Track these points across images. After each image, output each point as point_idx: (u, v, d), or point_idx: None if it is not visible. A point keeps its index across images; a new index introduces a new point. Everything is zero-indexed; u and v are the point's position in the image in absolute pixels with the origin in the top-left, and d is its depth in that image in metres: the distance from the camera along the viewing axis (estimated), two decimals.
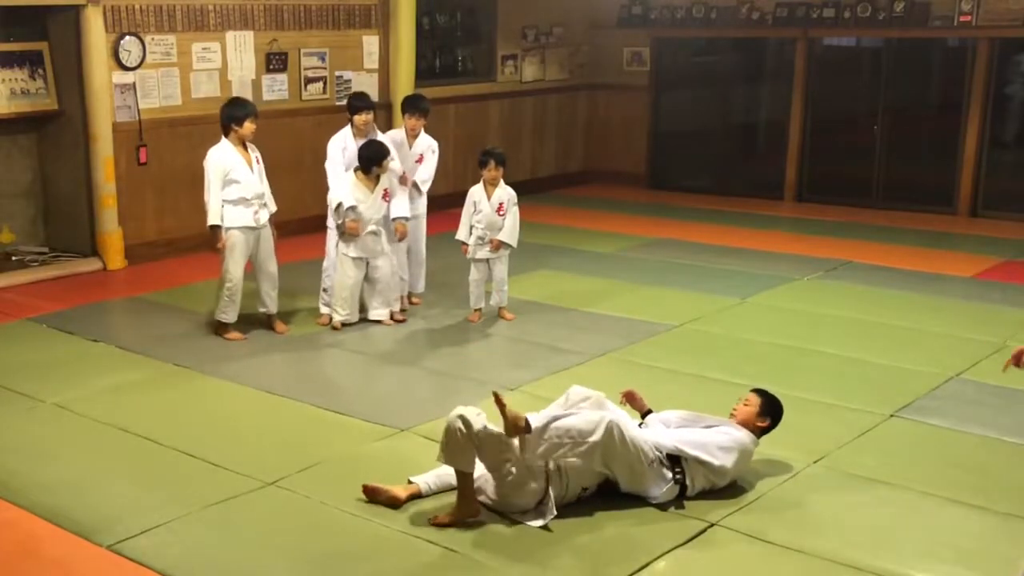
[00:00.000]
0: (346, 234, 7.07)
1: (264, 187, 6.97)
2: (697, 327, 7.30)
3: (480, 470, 4.49)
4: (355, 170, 7.11)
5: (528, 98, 12.46)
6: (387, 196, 7.16)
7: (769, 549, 4.30)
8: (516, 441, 4.41)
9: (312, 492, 4.75)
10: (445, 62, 11.80)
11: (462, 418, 4.30)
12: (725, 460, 4.64)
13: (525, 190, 9.44)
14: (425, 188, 7.63)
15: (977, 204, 11.15)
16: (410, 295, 7.79)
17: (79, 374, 6.35)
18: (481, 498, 4.50)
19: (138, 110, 8.96)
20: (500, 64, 12.09)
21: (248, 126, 6.80)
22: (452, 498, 4.55)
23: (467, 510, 4.40)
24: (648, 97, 13.00)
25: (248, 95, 9.48)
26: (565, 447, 4.41)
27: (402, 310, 7.53)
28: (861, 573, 4.12)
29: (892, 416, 5.69)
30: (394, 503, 4.53)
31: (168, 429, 5.48)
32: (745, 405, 4.87)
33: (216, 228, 6.77)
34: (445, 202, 9.91)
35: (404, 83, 10.42)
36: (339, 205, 7.03)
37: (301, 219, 9.65)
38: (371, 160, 7.01)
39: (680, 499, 4.63)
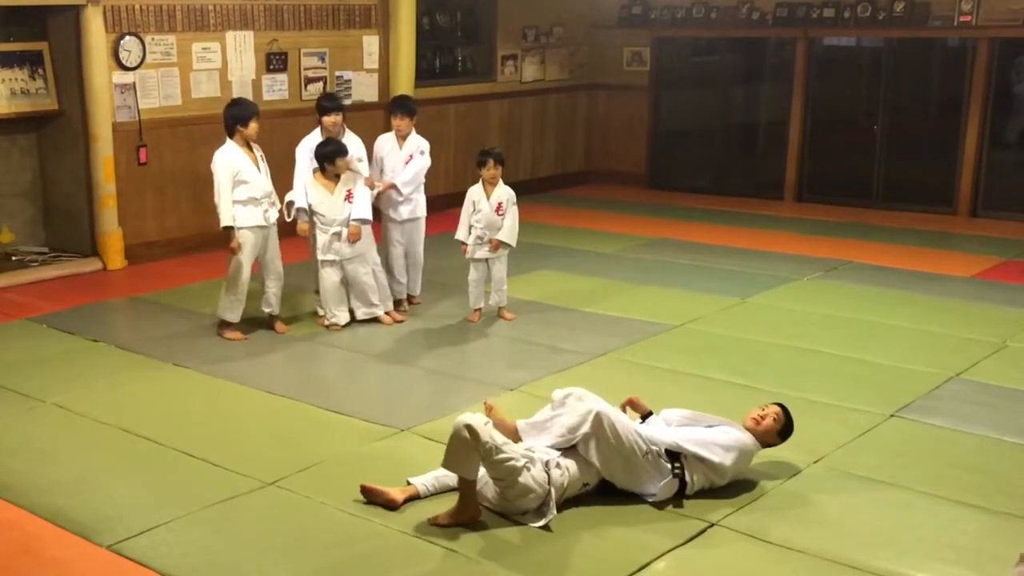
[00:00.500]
0: (296, 235, 7.05)
1: (272, 186, 7.00)
2: (697, 327, 7.30)
3: (482, 473, 4.50)
4: (314, 171, 7.10)
5: (528, 98, 12.46)
6: (350, 198, 7.10)
7: (769, 549, 4.30)
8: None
9: (312, 492, 4.75)
10: (445, 62, 11.80)
11: (468, 428, 4.27)
12: (725, 458, 4.64)
13: (525, 190, 9.45)
14: (406, 191, 7.51)
15: (977, 204, 11.14)
16: (410, 297, 7.79)
17: (79, 374, 6.35)
18: (482, 500, 4.50)
19: (138, 110, 8.96)
20: (500, 64, 12.09)
21: (253, 126, 6.83)
22: (451, 499, 4.55)
23: (468, 512, 4.40)
24: (648, 97, 13.00)
25: (248, 95, 9.49)
26: (559, 444, 4.45)
27: (402, 310, 7.53)
28: (861, 573, 4.12)
29: (892, 416, 5.69)
30: (391, 505, 4.53)
31: (168, 429, 5.48)
32: (774, 421, 4.84)
33: (230, 229, 6.79)
34: (444, 202, 9.91)
35: (404, 83, 10.42)
36: (289, 204, 7.02)
37: None
38: (324, 156, 7.00)
39: (679, 497, 4.63)
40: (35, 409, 5.81)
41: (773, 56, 12.59)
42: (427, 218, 7.81)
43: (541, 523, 4.39)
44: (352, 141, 7.33)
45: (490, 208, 7.15)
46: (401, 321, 7.39)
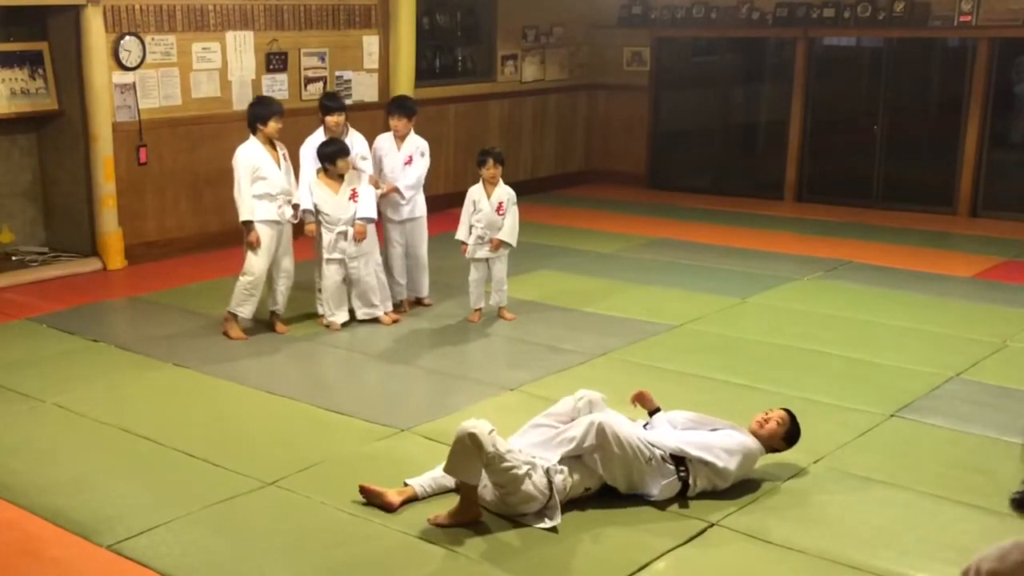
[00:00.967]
0: (304, 235, 7.07)
1: (292, 184, 7.03)
2: (697, 327, 7.30)
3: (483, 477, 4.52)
4: (317, 171, 7.11)
5: (528, 98, 12.46)
6: (355, 197, 7.12)
7: (769, 549, 4.30)
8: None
9: (312, 492, 4.75)
10: (445, 62, 11.80)
11: (471, 436, 4.26)
12: (729, 463, 4.64)
13: (525, 190, 9.45)
14: (409, 195, 7.52)
15: (977, 204, 11.14)
16: (419, 299, 7.78)
17: (79, 374, 6.35)
18: (482, 502, 4.50)
19: (138, 110, 8.96)
20: (500, 64, 12.09)
21: (273, 125, 6.88)
22: (449, 499, 4.56)
23: (468, 514, 4.39)
24: (648, 97, 13.00)
25: (248, 95, 9.49)
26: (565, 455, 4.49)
27: (400, 311, 7.53)
28: (861, 573, 4.12)
29: (892, 416, 5.69)
30: (388, 508, 4.52)
31: (168, 429, 5.48)
32: (778, 424, 4.84)
33: (248, 223, 6.83)
34: (444, 202, 9.91)
35: (404, 83, 10.42)
36: (295, 205, 7.05)
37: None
38: (326, 157, 7.02)
39: (680, 498, 4.63)
40: (35, 409, 5.81)
41: (773, 56, 12.59)
42: (427, 218, 7.80)
43: (546, 526, 4.39)
44: (356, 140, 7.35)
45: (491, 208, 7.15)
46: (399, 321, 7.39)
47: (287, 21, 9.90)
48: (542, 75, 12.62)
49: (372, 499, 4.56)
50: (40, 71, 8.81)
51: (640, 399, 5.00)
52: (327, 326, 7.25)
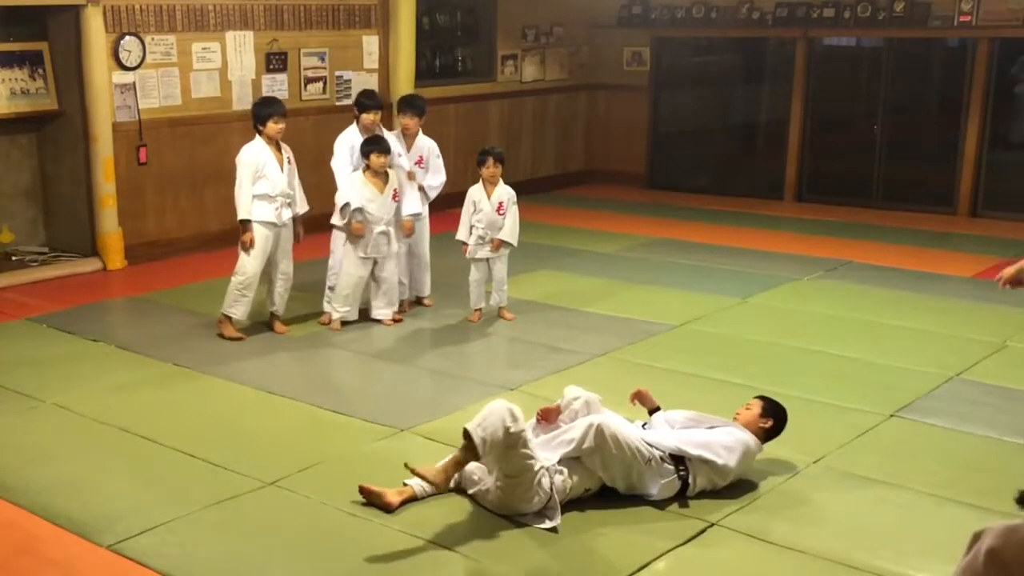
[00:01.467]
0: (351, 235, 7.08)
1: (294, 187, 7.01)
2: (697, 327, 7.30)
3: (483, 474, 4.51)
4: (363, 169, 7.12)
5: (528, 98, 12.46)
6: (396, 196, 7.18)
7: (769, 549, 4.30)
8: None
9: (312, 492, 4.74)
10: (445, 62, 11.80)
11: (511, 412, 4.27)
12: (729, 459, 4.64)
13: (525, 190, 9.45)
14: (433, 195, 7.65)
15: (977, 204, 11.15)
16: (419, 298, 7.79)
17: (79, 374, 6.35)
18: (482, 502, 4.51)
19: (138, 110, 8.96)
20: (500, 64, 12.09)
21: (272, 126, 6.83)
22: (447, 501, 4.56)
23: (443, 477, 4.39)
24: (648, 97, 13.00)
25: (248, 95, 9.50)
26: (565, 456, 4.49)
27: (400, 311, 7.53)
28: (861, 573, 4.12)
29: (892, 416, 5.69)
30: (387, 508, 4.52)
31: (168, 429, 5.48)
32: (747, 409, 4.91)
33: (246, 222, 6.81)
34: (444, 202, 9.86)
35: (404, 83, 10.42)
36: (345, 205, 7.03)
37: (302, 219, 9.64)
38: (370, 151, 7.04)
39: (680, 497, 4.63)
40: (35, 409, 5.80)
41: (773, 56, 12.59)
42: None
43: (547, 526, 4.39)
44: (390, 139, 7.39)
45: (491, 208, 7.15)
46: (399, 321, 7.39)
47: (287, 21, 9.89)
48: (542, 75, 12.62)
49: (371, 499, 4.56)
50: (40, 71, 8.81)
51: (639, 398, 5.01)
52: (327, 324, 7.25)
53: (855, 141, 11.96)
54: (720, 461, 4.63)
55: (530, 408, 5.13)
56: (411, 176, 7.43)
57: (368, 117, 7.32)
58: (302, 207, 7.14)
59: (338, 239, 7.42)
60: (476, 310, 7.40)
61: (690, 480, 4.63)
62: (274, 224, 6.92)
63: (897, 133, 11.62)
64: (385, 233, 7.18)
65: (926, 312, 7.63)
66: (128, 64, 8.83)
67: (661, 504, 4.60)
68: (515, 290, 7.74)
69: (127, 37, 8.80)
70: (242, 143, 7.01)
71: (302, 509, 4.62)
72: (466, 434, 4.31)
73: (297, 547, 4.29)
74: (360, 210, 7.05)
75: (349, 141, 7.36)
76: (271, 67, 9.82)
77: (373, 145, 7.08)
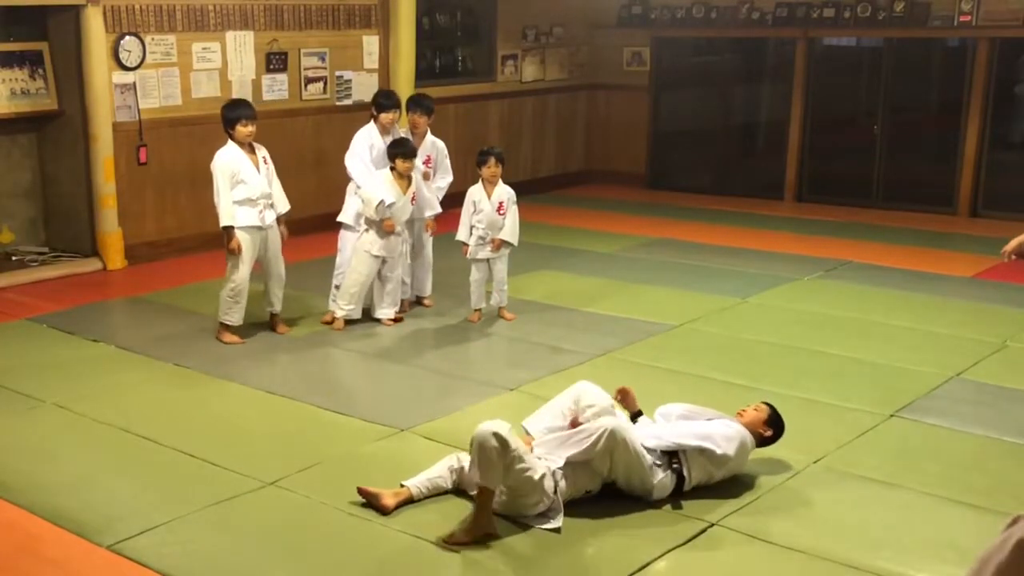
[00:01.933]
0: (381, 231, 7.07)
1: (273, 187, 6.97)
2: (697, 327, 7.30)
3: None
4: (390, 169, 7.12)
5: (528, 98, 12.46)
6: (415, 199, 7.23)
7: (769, 549, 4.30)
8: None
9: (312, 492, 4.75)
10: (445, 62, 11.80)
11: (496, 436, 4.23)
12: (727, 449, 4.65)
13: (525, 190, 9.45)
14: (440, 195, 7.67)
15: (977, 204, 11.15)
16: (419, 298, 7.79)
17: (79, 374, 6.35)
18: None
19: (138, 110, 8.96)
20: (500, 64, 12.09)
21: (240, 129, 6.74)
22: (447, 502, 4.56)
23: (486, 527, 4.32)
24: (648, 97, 13.00)
25: (248, 95, 9.49)
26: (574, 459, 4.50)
27: (400, 311, 7.53)
28: (861, 573, 4.12)
29: (892, 416, 5.69)
30: (383, 510, 4.51)
31: (168, 429, 5.48)
32: (755, 410, 4.90)
33: (229, 229, 6.77)
34: (444, 202, 9.88)
35: (404, 83, 10.41)
36: (381, 202, 7.02)
37: (302, 219, 9.64)
38: (396, 155, 7.06)
39: (678, 494, 4.63)
40: (35, 409, 5.80)
41: (773, 56, 12.59)
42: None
43: (549, 526, 4.39)
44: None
45: (491, 208, 7.15)
46: (400, 321, 7.39)
47: (287, 21, 9.90)
48: (542, 75, 12.62)
49: (369, 500, 4.56)
50: (40, 71, 8.81)
51: (623, 397, 4.98)
52: (330, 323, 7.25)
53: (855, 141, 11.96)
54: (719, 451, 4.63)
55: (530, 408, 5.14)
56: (427, 177, 7.48)
57: (387, 116, 7.34)
58: (283, 206, 7.05)
59: (346, 238, 7.42)
60: (476, 310, 7.40)
61: (685, 473, 4.62)
62: (259, 227, 6.87)
63: (897, 133, 11.62)
64: (399, 234, 7.21)
65: (926, 312, 7.63)
66: (128, 64, 8.83)
67: (661, 504, 4.60)
68: (515, 290, 7.74)
69: (127, 37, 8.80)
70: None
71: (302, 509, 4.62)
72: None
73: (297, 547, 4.29)
74: (391, 206, 7.06)
75: (367, 139, 7.36)
76: (271, 67, 9.82)
77: (399, 148, 7.09)
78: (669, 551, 4.25)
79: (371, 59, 10.64)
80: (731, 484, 4.76)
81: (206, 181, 9.33)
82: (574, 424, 4.74)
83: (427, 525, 4.41)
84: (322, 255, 8.18)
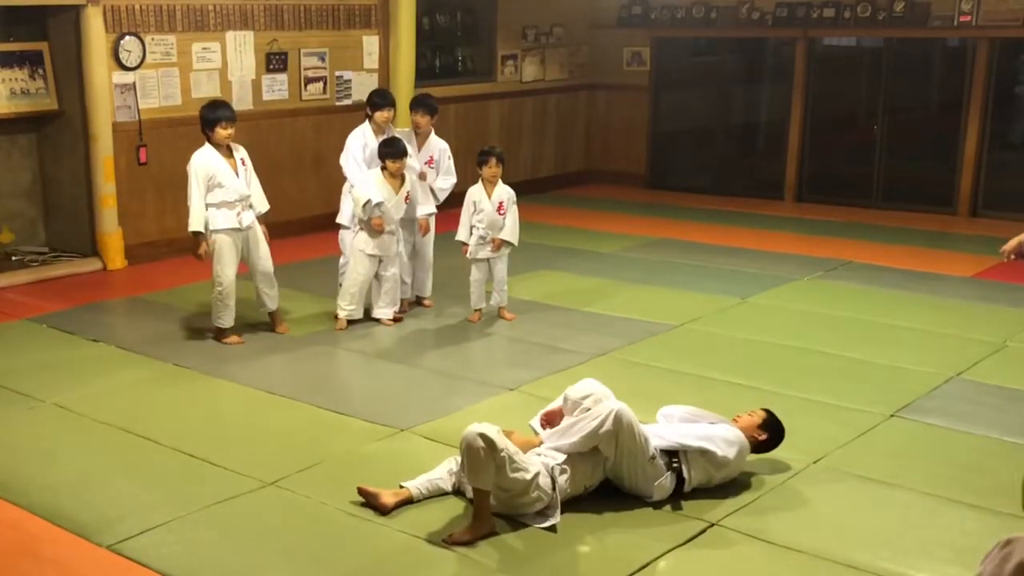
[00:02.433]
0: (371, 231, 7.08)
1: (252, 188, 6.91)
2: (697, 327, 7.30)
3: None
4: (381, 169, 7.12)
5: (528, 98, 12.46)
6: (408, 198, 7.23)
7: (769, 549, 4.30)
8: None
9: (312, 492, 4.75)
10: (445, 62, 11.80)
11: (483, 436, 4.24)
12: (728, 452, 4.66)
13: (525, 190, 9.45)
14: (443, 197, 7.65)
15: (977, 204, 11.15)
16: (419, 298, 7.79)
17: (79, 374, 6.35)
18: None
19: (138, 110, 8.96)
20: (500, 64, 12.09)
21: (220, 132, 6.68)
22: (446, 502, 4.55)
23: (485, 527, 4.33)
24: (648, 97, 13.00)
25: (248, 95, 9.51)
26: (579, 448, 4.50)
27: (400, 311, 7.53)
28: (861, 573, 4.12)
29: (892, 416, 5.69)
30: (382, 509, 4.51)
31: (168, 429, 5.48)
32: (750, 415, 4.92)
33: (198, 235, 6.71)
34: (444, 202, 9.90)
35: (404, 83, 10.40)
36: (368, 201, 7.03)
37: (302, 219, 9.65)
38: (386, 155, 7.07)
39: (678, 495, 4.63)
40: (35, 409, 5.80)
41: (773, 56, 12.59)
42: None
43: (546, 524, 4.39)
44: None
45: (492, 208, 7.15)
46: (400, 320, 7.39)
47: (287, 21, 9.90)
48: (542, 75, 12.62)
49: (368, 500, 4.56)
50: (40, 71, 8.81)
51: (548, 420, 4.86)
52: (336, 327, 7.26)
53: (855, 141, 11.96)
54: (720, 452, 4.63)
55: (530, 408, 5.14)
56: (423, 176, 7.46)
57: (382, 115, 7.34)
58: (261, 206, 6.99)
59: (347, 238, 7.43)
60: (476, 310, 7.40)
61: (685, 474, 4.62)
62: (237, 229, 6.82)
63: (897, 133, 11.62)
64: (392, 232, 7.21)
65: (926, 312, 7.63)
66: (128, 64, 8.83)
67: (660, 504, 4.60)
68: (515, 290, 7.74)
69: (127, 37, 8.80)
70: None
71: (302, 509, 4.62)
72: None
73: (297, 547, 4.29)
74: (379, 205, 7.07)
75: (361, 139, 7.36)
76: (271, 67, 9.82)
77: (390, 149, 7.09)
78: (669, 551, 4.25)
79: (371, 59, 10.64)
80: (731, 484, 4.76)
81: None
82: (549, 418, 4.74)
83: (427, 525, 4.41)
84: (322, 255, 8.18)
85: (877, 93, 11.65)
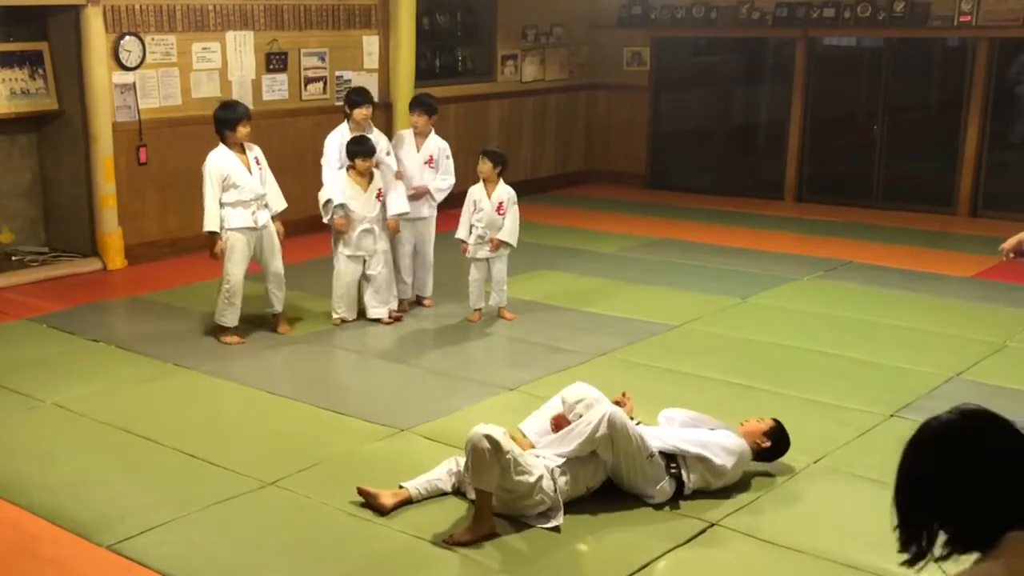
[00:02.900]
0: (335, 232, 7.09)
1: (268, 187, 6.96)
2: (697, 327, 7.30)
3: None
4: (347, 168, 7.14)
5: (528, 98, 12.46)
6: (380, 195, 7.18)
7: (769, 549, 4.30)
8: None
9: (312, 492, 4.75)
10: (445, 62, 11.80)
11: (488, 438, 4.23)
12: (726, 461, 4.65)
13: (525, 190, 9.44)
14: (440, 197, 7.63)
15: (977, 204, 11.14)
16: (420, 298, 7.79)
17: (79, 374, 6.35)
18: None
19: (138, 110, 8.96)
20: (500, 64, 12.09)
21: (241, 130, 6.76)
22: (447, 502, 4.55)
23: (485, 527, 4.33)
24: (648, 97, 13.00)
25: (248, 95, 9.50)
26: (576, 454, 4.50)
27: (400, 310, 7.53)
28: (861, 573, 4.11)
29: (892, 416, 5.69)
30: (381, 510, 4.50)
31: (168, 429, 5.48)
32: (758, 421, 4.89)
33: (214, 234, 6.75)
34: (444, 201, 9.90)
35: (404, 83, 10.42)
36: (328, 202, 7.04)
37: (302, 219, 9.63)
38: (350, 155, 7.08)
39: (677, 498, 4.63)
40: (35, 409, 5.80)
41: (773, 56, 12.59)
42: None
43: (549, 525, 4.39)
44: (379, 137, 7.41)
45: (491, 207, 7.16)
46: (399, 320, 7.39)
47: (287, 21, 9.90)
48: (542, 75, 12.62)
49: (368, 500, 4.55)
50: (40, 71, 8.81)
51: (621, 405, 4.91)
52: (333, 325, 7.27)
53: (855, 141, 11.96)
54: (718, 461, 4.63)
55: (530, 408, 5.14)
56: (398, 175, 7.38)
57: (360, 112, 7.30)
58: (278, 205, 7.05)
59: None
60: (476, 310, 7.40)
61: (684, 478, 4.62)
62: (252, 228, 6.86)
63: (897, 133, 11.62)
64: (370, 231, 7.18)
65: (926, 312, 7.63)
66: (128, 64, 8.83)
67: (658, 504, 4.60)
68: (515, 290, 7.74)
69: (127, 37, 8.80)
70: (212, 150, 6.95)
71: (302, 509, 4.62)
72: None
73: (297, 547, 4.29)
74: (342, 206, 7.06)
75: (339, 139, 7.35)
76: (271, 67, 9.83)
77: (358, 147, 7.10)
78: (669, 551, 4.25)
79: (371, 59, 10.64)
80: (731, 484, 4.75)
81: None
82: (558, 422, 4.74)
83: (426, 525, 4.41)
84: (322, 255, 8.17)
85: (877, 93, 11.65)
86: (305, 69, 10.10)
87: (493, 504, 4.40)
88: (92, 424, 5.58)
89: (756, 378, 6.24)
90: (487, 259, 7.26)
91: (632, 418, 4.93)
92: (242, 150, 6.85)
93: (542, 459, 4.49)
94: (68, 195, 9.00)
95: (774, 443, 4.88)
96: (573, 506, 4.52)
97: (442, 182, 7.62)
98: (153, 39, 8.97)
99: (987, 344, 6.89)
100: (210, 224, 6.73)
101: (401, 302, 7.60)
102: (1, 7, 8.28)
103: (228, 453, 5.16)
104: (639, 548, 4.27)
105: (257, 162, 6.91)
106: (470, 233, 7.25)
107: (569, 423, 4.70)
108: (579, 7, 12.81)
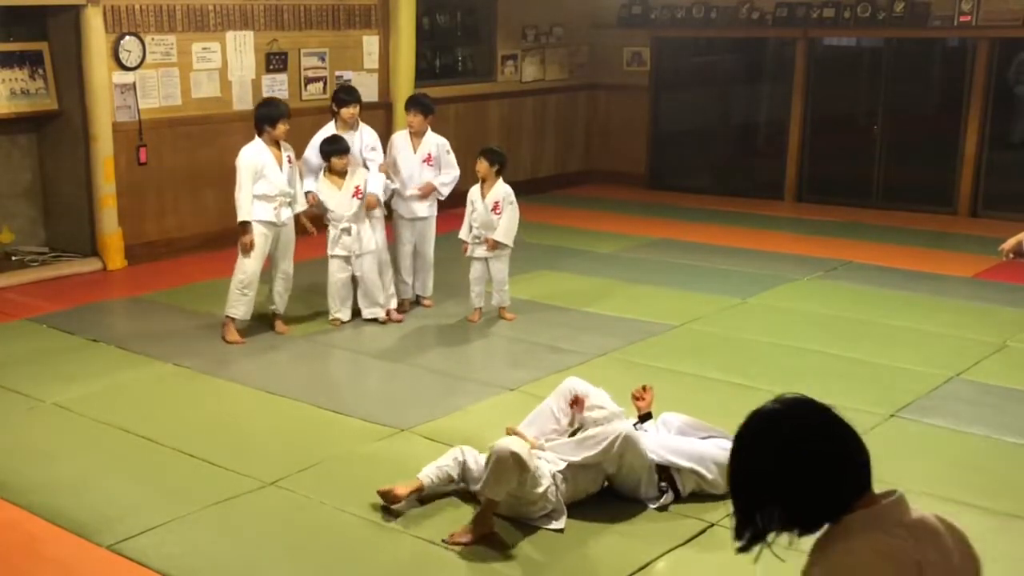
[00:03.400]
0: (302, 231, 7.16)
1: (295, 187, 7.03)
2: (697, 327, 7.30)
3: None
4: (324, 170, 7.16)
5: (528, 98, 12.46)
6: (358, 193, 7.19)
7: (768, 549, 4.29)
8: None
9: (312, 492, 4.75)
10: (445, 62, 11.80)
11: (515, 456, 4.23)
12: (719, 475, 4.64)
13: (525, 190, 9.45)
14: (446, 191, 7.65)
15: (977, 204, 11.14)
16: (420, 298, 7.79)
17: (79, 374, 6.35)
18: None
19: (138, 110, 8.96)
20: (500, 64, 12.09)
21: (281, 127, 6.86)
22: (450, 502, 4.55)
23: (485, 528, 4.34)
24: (648, 97, 12.99)
25: (248, 95, 9.50)
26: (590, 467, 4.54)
27: (400, 310, 7.53)
28: None
29: (892, 416, 5.69)
30: (395, 500, 4.51)
31: (168, 429, 5.48)
32: None
33: (246, 224, 6.80)
34: (444, 202, 9.90)
35: (404, 83, 10.42)
36: (307, 193, 7.16)
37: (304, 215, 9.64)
38: (324, 154, 7.14)
39: (674, 501, 4.64)
40: (35, 409, 5.81)
41: (773, 56, 12.59)
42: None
43: (553, 527, 4.40)
44: (366, 132, 7.45)
45: (485, 207, 7.16)
46: (400, 320, 7.40)
47: (287, 21, 9.89)
48: (542, 75, 12.62)
49: (386, 499, 4.54)
50: (40, 71, 8.81)
51: (641, 397, 4.97)
52: (331, 321, 7.28)
53: (855, 141, 11.96)
54: (711, 476, 4.65)
55: (530, 408, 5.14)
56: (382, 168, 7.40)
57: (348, 111, 7.33)
58: (303, 205, 7.14)
59: None
60: (476, 309, 7.40)
61: (679, 486, 4.66)
62: (273, 224, 6.92)
63: (897, 133, 11.62)
64: (348, 231, 7.19)
65: (926, 312, 7.63)
66: (128, 64, 8.83)
67: (659, 507, 4.60)
68: (515, 290, 7.73)
69: (127, 37, 8.80)
70: (243, 143, 7.00)
71: (302, 509, 4.62)
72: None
73: (297, 547, 4.29)
74: (314, 193, 7.15)
75: (321, 139, 7.38)
76: (271, 67, 9.82)
77: (331, 146, 7.15)
78: (669, 551, 4.26)
79: (371, 59, 10.64)
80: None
81: (206, 181, 9.41)
82: (577, 402, 4.77)
83: (427, 525, 4.41)
84: (322, 255, 8.16)
85: (877, 93, 11.65)
86: (305, 69, 10.10)
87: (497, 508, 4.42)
88: (92, 424, 5.58)
89: (756, 378, 6.23)
90: (485, 258, 7.26)
91: (650, 415, 4.95)
92: (277, 147, 6.91)
93: (546, 463, 4.49)
94: (68, 195, 9.00)
95: None
96: (574, 507, 4.53)
97: (446, 176, 7.63)
98: (153, 39, 8.97)
99: (987, 344, 6.89)
100: (243, 214, 6.80)
101: (401, 302, 7.60)
102: (1, 7, 8.28)
103: (228, 453, 5.16)
104: (639, 548, 4.27)
105: (289, 161, 6.99)
106: (470, 232, 7.26)
107: (583, 409, 4.74)
108: (579, 7, 12.81)
